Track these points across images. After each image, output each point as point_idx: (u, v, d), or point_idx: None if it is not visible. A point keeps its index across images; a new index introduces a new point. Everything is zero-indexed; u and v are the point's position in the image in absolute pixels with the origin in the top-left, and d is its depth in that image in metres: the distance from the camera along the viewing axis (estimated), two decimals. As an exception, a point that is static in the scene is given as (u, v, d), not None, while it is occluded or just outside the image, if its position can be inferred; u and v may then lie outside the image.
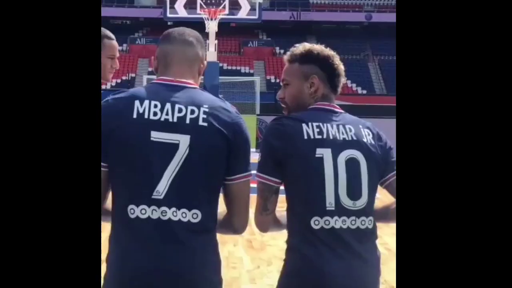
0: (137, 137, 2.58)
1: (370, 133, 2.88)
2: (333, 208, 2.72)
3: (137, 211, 2.57)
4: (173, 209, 2.56)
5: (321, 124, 2.78)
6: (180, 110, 2.63)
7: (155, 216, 2.56)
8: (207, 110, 2.70)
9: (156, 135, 2.57)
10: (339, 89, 2.99)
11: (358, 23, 62.44)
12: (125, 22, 65.93)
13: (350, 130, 2.81)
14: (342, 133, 2.79)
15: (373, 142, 2.85)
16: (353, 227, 2.75)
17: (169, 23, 56.58)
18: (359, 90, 53.35)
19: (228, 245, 7.60)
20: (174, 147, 2.57)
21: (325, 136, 2.75)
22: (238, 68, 57.47)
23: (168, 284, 2.55)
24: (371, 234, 2.85)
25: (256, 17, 20.88)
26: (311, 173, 2.73)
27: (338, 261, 2.72)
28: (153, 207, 2.56)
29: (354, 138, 2.80)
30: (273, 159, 2.82)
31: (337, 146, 2.76)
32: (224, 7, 19.77)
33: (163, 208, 2.56)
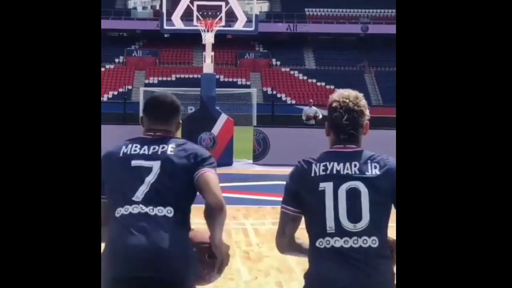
0: (122, 165, 3.66)
1: (377, 165, 3.36)
2: (333, 231, 3.25)
3: (122, 210, 3.54)
4: (150, 207, 3.53)
5: (327, 163, 3.36)
6: (154, 148, 3.71)
7: (135, 211, 3.53)
8: (174, 145, 3.71)
9: (134, 163, 3.64)
10: (351, 130, 3.44)
11: (354, 35, 62.55)
12: (121, 34, 65.98)
13: (355, 166, 3.33)
14: (347, 169, 3.33)
15: (378, 173, 3.32)
16: (356, 246, 3.23)
17: (165, 35, 56.98)
18: (356, 102, 53.53)
19: (225, 257, 7.61)
20: (149, 169, 3.63)
21: (328, 172, 3.33)
22: (235, 80, 57.50)
23: (148, 266, 3.43)
24: (376, 252, 3.27)
25: (252, 29, 20.86)
26: (315, 203, 3.31)
27: (342, 272, 3.23)
28: (134, 205, 3.54)
29: (357, 172, 3.32)
30: (289, 193, 3.42)
31: (339, 180, 3.30)
32: (220, 19, 19.77)
33: (141, 205, 3.54)
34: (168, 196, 3.59)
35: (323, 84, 56.24)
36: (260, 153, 19.56)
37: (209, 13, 20.49)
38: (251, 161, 19.85)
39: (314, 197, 3.32)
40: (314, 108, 25.87)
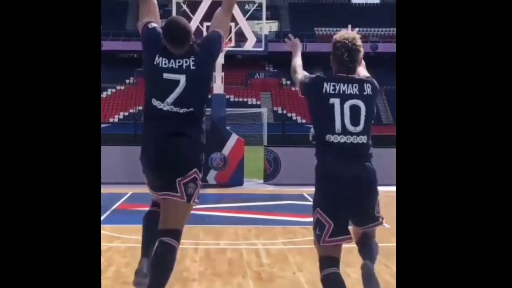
0: (156, 73, 5.03)
1: (370, 86, 4.85)
2: (340, 131, 4.73)
3: (155, 104, 4.94)
4: (176, 107, 4.91)
5: (336, 84, 4.76)
6: (178, 62, 4.98)
7: (165, 108, 4.92)
8: (193, 58, 5.01)
9: (166, 75, 4.94)
10: (350, 64, 4.87)
11: (364, 54, 62.64)
12: (132, 55, 66.25)
13: (356, 87, 4.76)
14: (349, 89, 4.73)
15: (371, 93, 4.81)
16: (355, 141, 4.72)
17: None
18: (366, 120, 53.57)
19: (237, 277, 7.58)
20: (177, 82, 4.92)
21: (336, 92, 4.75)
22: (245, 99, 57.60)
23: (174, 152, 4.90)
24: (365, 147, 4.80)
25: (262, 49, 20.91)
26: (326, 113, 4.77)
27: (343, 161, 4.72)
28: (164, 104, 4.92)
29: (357, 92, 4.75)
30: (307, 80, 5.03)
31: (344, 97, 4.74)
32: (230, 40, 19.83)
33: (171, 106, 4.91)
34: (190, 100, 4.93)
35: (333, 103, 56.24)
36: (271, 173, 19.53)
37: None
38: (262, 181, 19.83)
39: (324, 107, 4.78)
40: None
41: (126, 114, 55.14)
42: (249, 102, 56.95)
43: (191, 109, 4.92)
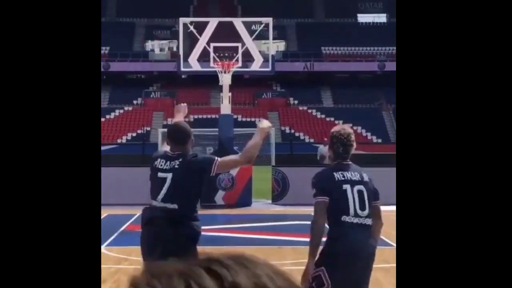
0: (155, 173, 5.82)
1: (366, 175, 5.62)
2: (353, 214, 5.41)
3: (153, 203, 5.77)
4: (165, 203, 5.68)
5: (342, 172, 5.52)
6: (169, 163, 5.77)
7: (157, 205, 5.71)
8: (180, 160, 5.75)
9: (160, 174, 5.74)
10: (345, 155, 5.61)
11: (371, 73, 62.65)
12: (139, 76, 66.49)
13: (357, 175, 5.54)
14: (354, 176, 5.52)
15: (368, 180, 5.58)
16: (362, 222, 5.42)
17: (183, 76, 57.33)
18: (374, 139, 53.38)
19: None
20: (164, 179, 5.73)
21: (346, 178, 5.50)
22: (253, 119, 57.61)
23: (167, 227, 5.58)
24: (370, 226, 5.49)
25: (269, 69, 20.94)
26: (341, 198, 5.42)
27: (355, 234, 5.37)
28: (157, 202, 5.75)
29: (359, 179, 5.54)
30: (321, 188, 5.50)
31: (352, 183, 5.48)
32: (237, 60, 19.85)
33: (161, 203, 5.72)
34: (174, 197, 5.67)
35: (341, 122, 56.19)
36: (279, 193, 19.49)
37: (226, 54, 20.60)
38: (270, 201, 19.78)
39: (339, 194, 5.42)
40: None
41: (134, 135, 55.20)
42: (257, 122, 56.97)
43: (175, 205, 5.73)
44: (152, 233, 5.70)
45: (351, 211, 5.40)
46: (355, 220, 5.40)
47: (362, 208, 5.45)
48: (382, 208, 5.79)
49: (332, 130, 5.78)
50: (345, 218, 5.39)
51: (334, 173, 5.53)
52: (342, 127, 5.91)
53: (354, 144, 5.66)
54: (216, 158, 5.83)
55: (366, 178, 5.57)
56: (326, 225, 5.56)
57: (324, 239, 5.52)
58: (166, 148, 6.05)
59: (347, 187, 5.44)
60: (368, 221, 5.45)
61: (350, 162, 5.63)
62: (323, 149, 25.06)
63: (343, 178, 5.49)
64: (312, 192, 5.54)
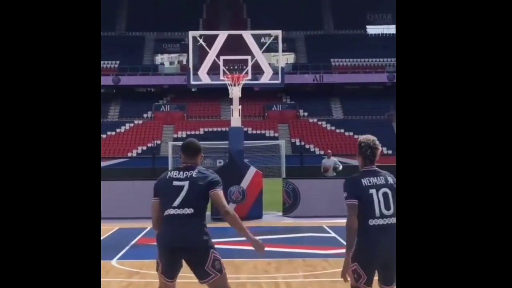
0: (168, 184, 6.33)
1: (391, 178, 6.16)
2: (379, 216, 6.00)
3: (167, 211, 6.24)
4: (181, 209, 6.21)
5: (369, 178, 6.14)
6: (185, 173, 6.37)
7: (172, 212, 6.22)
8: (196, 171, 6.36)
9: (175, 183, 6.30)
10: (372, 158, 6.27)
11: (381, 84, 62.66)
12: (149, 89, 66.68)
13: (382, 179, 6.14)
14: (379, 180, 6.13)
15: (393, 182, 6.10)
16: (388, 222, 5.98)
17: (193, 90, 57.46)
18: (385, 150, 53.30)
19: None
20: (182, 187, 6.26)
21: (371, 183, 6.09)
22: (263, 132, 57.67)
23: (180, 242, 6.13)
24: (394, 225, 5.80)
25: (279, 81, 20.94)
26: (368, 201, 6.02)
27: (381, 237, 5.93)
28: (173, 209, 6.24)
29: (384, 182, 6.13)
30: (350, 192, 6.08)
31: (378, 187, 6.08)
32: (247, 73, 19.87)
33: (176, 209, 6.23)
34: (190, 202, 6.20)
35: (351, 133, 56.24)
36: (290, 206, 19.46)
37: (236, 67, 20.63)
38: (281, 213, 19.76)
39: (366, 198, 6.00)
40: (333, 159, 25.03)
41: (144, 148, 55.30)
42: (267, 134, 56.98)
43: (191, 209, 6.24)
44: (171, 229, 6.21)
45: (377, 212, 6.02)
46: (381, 222, 6.02)
47: (387, 208, 6.04)
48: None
49: (359, 139, 6.48)
50: (371, 221, 6.00)
51: (362, 180, 6.13)
52: (366, 135, 6.52)
53: (380, 148, 6.35)
54: (220, 188, 6.31)
55: (390, 181, 6.15)
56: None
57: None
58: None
59: (373, 191, 6.06)
60: (393, 220, 6.01)
61: (375, 168, 6.27)
62: (326, 162, 24.83)
63: (369, 184, 6.09)
64: (344, 195, 6.09)
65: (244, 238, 6.31)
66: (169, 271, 6.28)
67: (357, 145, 6.45)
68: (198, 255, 6.18)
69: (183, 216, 6.19)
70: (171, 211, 6.22)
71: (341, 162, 24.83)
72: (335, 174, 23.83)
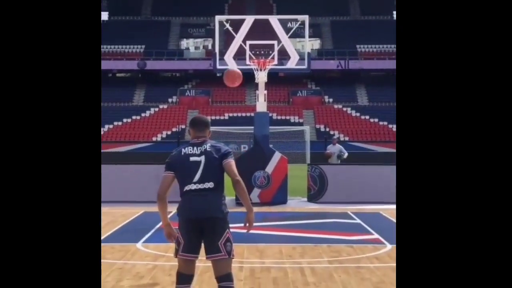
0: (185, 160, 6.40)
1: None
2: None
3: (187, 187, 6.33)
4: (202, 183, 6.32)
5: None
6: (199, 148, 6.46)
7: (193, 187, 6.31)
8: (209, 145, 6.48)
9: (192, 159, 6.38)
10: None
11: (406, 70, 62.40)
12: (175, 74, 66.82)
13: None
14: None
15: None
16: None
17: (218, 75, 57.44)
18: (410, 137, 53.15)
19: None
20: (199, 162, 6.37)
21: None
22: (288, 117, 57.63)
23: (203, 211, 6.22)
24: None
25: (305, 66, 20.86)
26: None
27: None
28: (193, 184, 6.33)
29: None
30: None
31: None
32: (273, 58, 19.82)
33: (197, 184, 6.32)
34: (210, 176, 6.32)
35: (376, 120, 56.05)
36: (316, 191, 19.43)
37: (262, 52, 20.59)
38: (305, 199, 19.75)
39: None
40: (338, 146, 24.96)
41: (169, 133, 55.48)
42: (292, 120, 56.94)
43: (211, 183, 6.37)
44: (193, 201, 6.29)
45: None
46: None
47: None
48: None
49: None
50: None
51: None
52: None
53: None
54: (232, 158, 6.49)
55: None
56: None
57: None
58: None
59: None
60: None
61: None
62: (331, 148, 24.73)
63: None
64: None
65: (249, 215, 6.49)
66: (190, 245, 6.30)
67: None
68: (216, 226, 6.25)
69: (204, 190, 6.28)
70: (192, 186, 6.31)
71: (364, 149, 24.73)
72: (339, 161, 23.74)
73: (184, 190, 6.36)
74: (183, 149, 6.51)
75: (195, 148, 6.46)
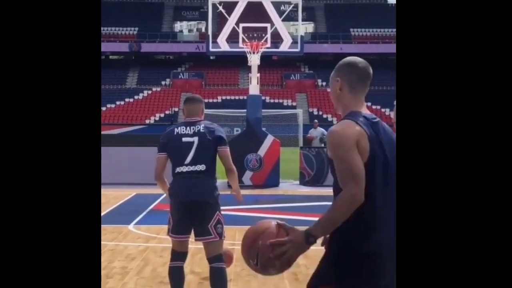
0: (177, 140, 6.33)
1: None
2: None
3: (178, 169, 6.31)
4: (193, 166, 6.27)
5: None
6: (193, 128, 6.37)
7: (185, 169, 6.28)
8: (203, 126, 6.37)
9: (184, 139, 6.31)
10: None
11: (400, 54, 62.35)
12: (168, 57, 66.66)
13: None
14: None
15: None
16: None
17: (211, 57, 57.36)
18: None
19: (273, 278, 7.56)
20: (192, 143, 6.29)
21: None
22: (281, 101, 57.63)
23: (194, 195, 6.20)
24: None
25: (298, 50, 20.85)
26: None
27: None
28: (185, 166, 6.29)
29: None
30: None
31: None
32: (266, 41, 19.80)
33: (189, 166, 6.28)
34: (202, 158, 6.25)
35: (368, 104, 55.98)
36: (308, 174, 19.46)
37: (255, 35, 20.57)
38: (297, 182, 19.80)
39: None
40: (320, 129, 25.01)
41: (162, 115, 55.44)
42: (285, 103, 56.94)
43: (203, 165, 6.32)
44: (184, 183, 6.26)
45: None
46: None
47: None
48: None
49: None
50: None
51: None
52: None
53: None
54: (227, 146, 6.40)
55: None
56: None
57: None
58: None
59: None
60: None
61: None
62: (313, 132, 24.84)
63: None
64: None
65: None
66: (179, 227, 6.32)
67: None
68: (206, 210, 6.23)
69: (196, 172, 6.24)
70: (184, 168, 6.27)
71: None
72: (322, 145, 23.82)
73: (176, 171, 6.33)
74: (175, 129, 6.43)
75: (188, 128, 6.36)
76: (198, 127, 6.35)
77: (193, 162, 6.26)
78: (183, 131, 6.36)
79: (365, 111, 3.68)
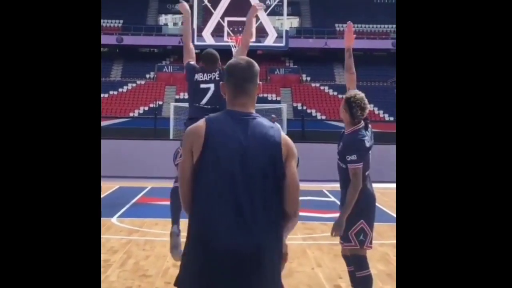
0: (197, 85, 7.06)
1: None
2: (368, 172, 6.36)
3: (195, 104, 7.06)
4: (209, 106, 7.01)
5: (369, 136, 6.38)
6: (209, 75, 7.04)
7: (200, 106, 7.01)
8: (218, 73, 7.01)
9: (202, 86, 7.00)
10: (362, 116, 6.27)
11: (385, 50, 62.36)
12: (152, 50, 66.43)
13: (371, 131, 6.59)
14: (371, 135, 6.48)
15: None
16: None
17: (196, 51, 56.85)
18: (386, 117, 53.25)
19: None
20: (208, 88, 7.05)
21: (372, 140, 6.36)
22: (265, 95, 57.57)
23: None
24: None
25: (283, 44, 20.89)
26: (367, 161, 6.27)
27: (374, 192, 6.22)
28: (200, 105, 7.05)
29: (372, 134, 6.52)
30: (361, 156, 6.16)
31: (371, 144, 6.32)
32: (251, 35, 19.80)
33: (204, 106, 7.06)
34: (215, 102, 6.75)
35: (353, 99, 56.11)
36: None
37: (240, 29, 20.55)
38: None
39: (368, 158, 6.12)
40: (276, 125, 25.09)
41: (146, 108, 55.22)
42: (269, 98, 56.81)
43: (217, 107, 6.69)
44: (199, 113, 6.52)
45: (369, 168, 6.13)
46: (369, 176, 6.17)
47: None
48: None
49: (347, 95, 6.40)
50: (368, 172, 6.13)
51: (367, 142, 6.05)
52: (355, 92, 6.51)
53: (368, 106, 6.27)
54: None
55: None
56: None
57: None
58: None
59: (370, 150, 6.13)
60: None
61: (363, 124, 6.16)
62: None
63: (371, 140, 6.14)
64: (352, 157, 6.03)
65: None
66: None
67: (344, 101, 6.38)
68: None
69: (209, 110, 6.62)
70: (199, 105, 6.92)
71: (341, 128, 24.90)
72: None
73: (193, 105, 6.96)
74: (195, 75, 7.08)
75: (204, 75, 7.02)
76: (213, 75, 6.99)
77: (209, 103, 6.91)
78: (201, 77, 7.03)
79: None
